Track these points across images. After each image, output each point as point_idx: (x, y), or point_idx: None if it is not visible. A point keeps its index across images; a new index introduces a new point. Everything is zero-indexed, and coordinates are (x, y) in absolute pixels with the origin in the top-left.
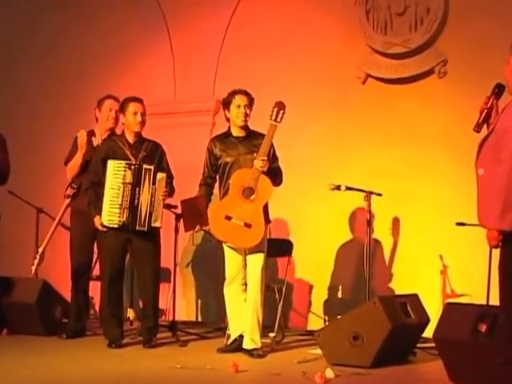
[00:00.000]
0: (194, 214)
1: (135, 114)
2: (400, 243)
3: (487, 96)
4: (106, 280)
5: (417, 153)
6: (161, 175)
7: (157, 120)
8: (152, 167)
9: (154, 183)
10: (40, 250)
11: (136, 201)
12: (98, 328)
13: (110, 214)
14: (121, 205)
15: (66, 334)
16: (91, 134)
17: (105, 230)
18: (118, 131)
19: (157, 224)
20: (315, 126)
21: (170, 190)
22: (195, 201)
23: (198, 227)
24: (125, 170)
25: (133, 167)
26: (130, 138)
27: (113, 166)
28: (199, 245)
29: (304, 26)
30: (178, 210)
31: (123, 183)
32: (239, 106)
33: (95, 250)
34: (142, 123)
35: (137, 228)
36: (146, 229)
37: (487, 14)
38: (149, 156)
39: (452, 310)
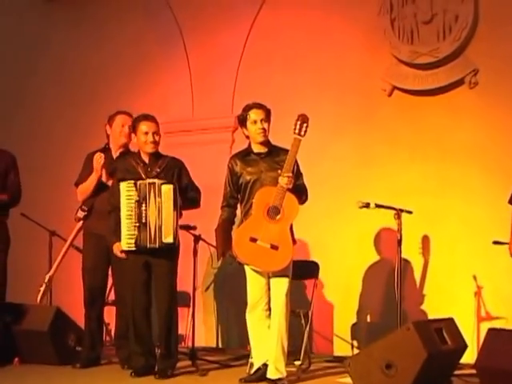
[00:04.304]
0: (222, 241)
1: (146, 133)
2: (431, 263)
3: None
4: (131, 306)
5: (447, 168)
6: (166, 187)
7: (174, 138)
8: (156, 180)
9: (159, 196)
10: (46, 277)
11: (144, 218)
12: (114, 356)
13: (129, 237)
14: (134, 225)
15: (79, 363)
16: (108, 152)
17: (124, 257)
18: (133, 147)
19: (168, 240)
20: (340, 142)
21: (189, 202)
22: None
23: (227, 254)
24: (134, 189)
25: (137, 184)
26: (145, 157)
27: (124, 187)
28: (219, 268)
29: (326, 38)
30: (197, 232)
31: (134, 203)
32: (255, 122)
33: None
34: (155, 143)
35: (148, 246)
36: (157, 245)
37: None
38: (164, 173)
39: (495, 337)
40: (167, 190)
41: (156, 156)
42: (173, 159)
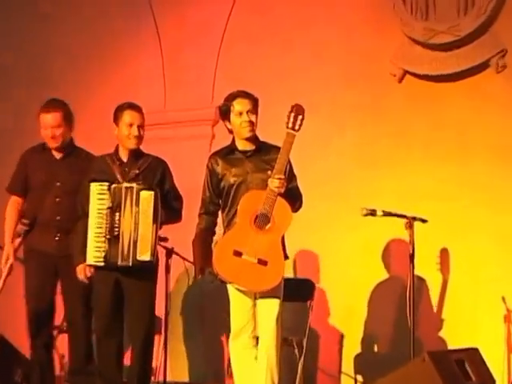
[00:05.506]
0: (201, 255)
1: (130, 125)
2: (451, 282)
3: None
4: (97, 334)
5: (469, 169)
6: (146, 194)
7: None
8: (134, 185)
9: (137, 204)
10: None
11: (116, 229)
12: None
13: (97, 249)
14: (104, 236)
15: None
16: (47, 152)
17: (86, 281)
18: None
19: (144, 257)
20: (340, 138)
21: (171, 214)
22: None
23: (207, 271)
24: (107, 193)
25: (111, 187)
26: (124, 155)
27: (95, 189)
28: (197, 286)
29: (325, 13)
30: (169, 244)
31: (106, 209)
32: (241, 114)
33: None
34: (139, 138)
35: (119, 263)
36: (130, 263)
37: None
38: (144, 175)
39: None
40: (147, 197)
41: (136, 154)
42: (156, 159)
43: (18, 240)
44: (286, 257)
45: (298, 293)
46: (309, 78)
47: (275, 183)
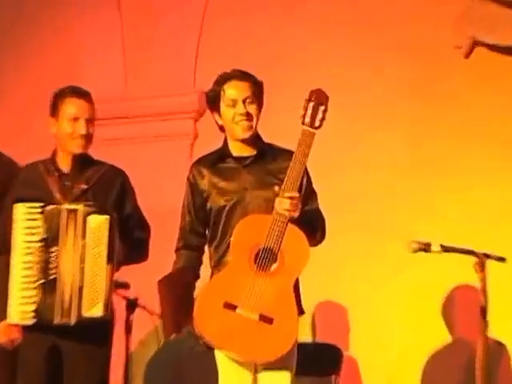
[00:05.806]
0: (176, 304)
1: (75, 119)
2: None
3: None
4: None
5: None
6: (97, 219)
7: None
8: (79, 206)
9: (83, 235)
10: None
11: (53, 270)
12: None
13: (24, 301)
14: (36, 281)
15: None
16: None
17: (9, 346)
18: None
19: (94, 312)
20: (376, 136)
21: (133, 250)
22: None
23: (185, 330)
24: (39, 219)
25: (46, 210)
26: (64, 163)
27: (21, 213)
28: (170, 352)
29: None
30: (131, 293)
31: (38, 241)
32: (235, 104)
33: None
34: (87, 138)
35: (56, 321)
36: (72, 321)
37: None
38: (94, 191)
39: None
40: (98, 224)
41: (83, 162)
42: (112, 169)
43: None
44: (302, 311)
45: (318, 363)
46: (325, 56)
47: (285, 204)
